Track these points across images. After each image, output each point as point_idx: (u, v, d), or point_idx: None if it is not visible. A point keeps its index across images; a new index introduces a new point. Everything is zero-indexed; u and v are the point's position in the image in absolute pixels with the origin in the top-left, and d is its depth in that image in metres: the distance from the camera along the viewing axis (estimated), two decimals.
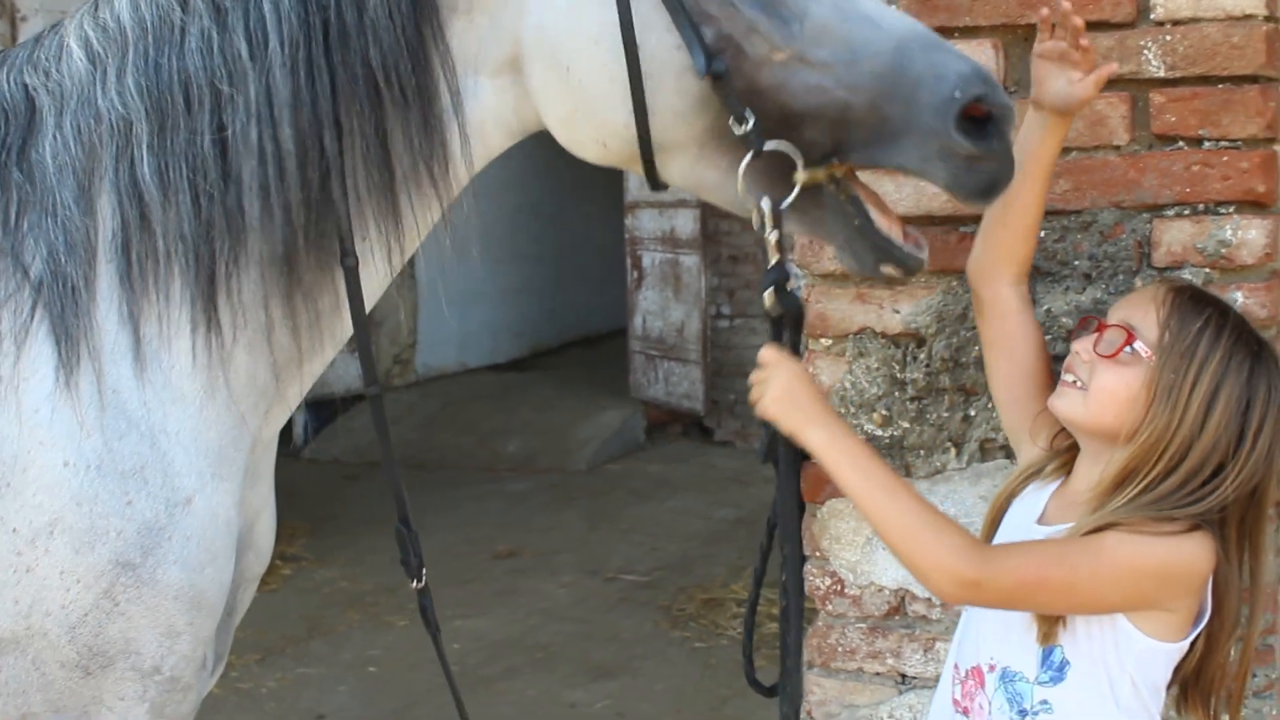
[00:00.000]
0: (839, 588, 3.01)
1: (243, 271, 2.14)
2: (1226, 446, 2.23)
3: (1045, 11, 2.38)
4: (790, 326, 2.32)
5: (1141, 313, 2.29)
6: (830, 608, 3.00)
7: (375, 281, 2.28)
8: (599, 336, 14.84)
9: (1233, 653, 2.34)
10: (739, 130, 2.11)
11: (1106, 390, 2.28)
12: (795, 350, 2.36)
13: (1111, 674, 2.30)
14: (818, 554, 2.99)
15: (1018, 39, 2.81)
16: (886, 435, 2.92)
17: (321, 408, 10.82)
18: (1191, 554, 2.22)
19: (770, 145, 2.12)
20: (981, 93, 2.09)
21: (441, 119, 2.20)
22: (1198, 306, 2.29)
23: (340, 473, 10.10)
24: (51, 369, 2.08)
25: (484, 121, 2.27)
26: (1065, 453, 2.44)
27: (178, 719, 2.24)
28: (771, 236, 2.19)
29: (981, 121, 2.10)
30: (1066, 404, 2.34)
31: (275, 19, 2.11)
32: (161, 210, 2.11)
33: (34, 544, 2.06)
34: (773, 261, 2.23)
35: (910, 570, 2.31)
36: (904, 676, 2.98)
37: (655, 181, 2.25)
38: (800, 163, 2.13)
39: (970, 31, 2.82)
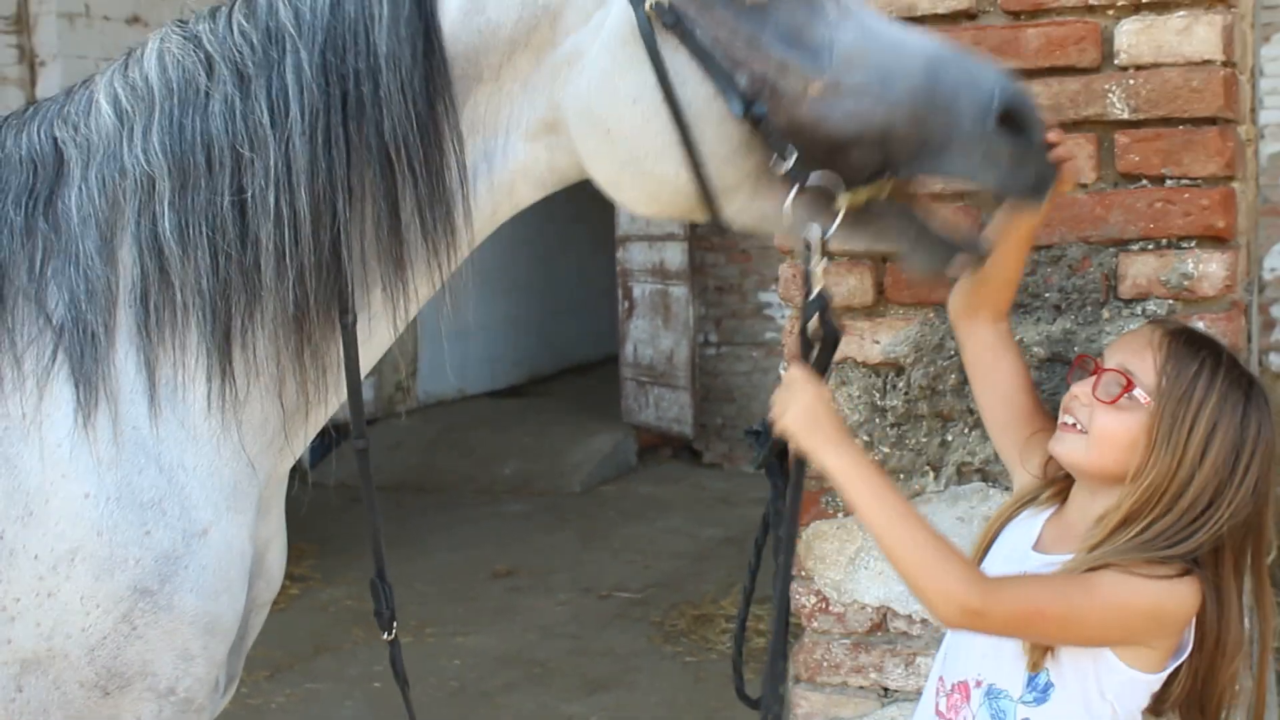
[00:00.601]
0: (824, 605, 3.01)
1: (257, 328, 2.15)
2: (1219, 483, 2.22)
3: None
4: (824, 351, 2.29)
5: (1139, 358, 2.28)
6: (816, 624, 3.01)
7: (377, 341, 2.29)
8: (592, 364, 14.82)
9: (1249, 675, 2.34)
10: (780, 168, 2.11)
11: (1107, 435, 2.27)
12: (822, 371, 2.33)
13: (1091, 700, 2.30)
14: (803, 573, 3.00)
15: None
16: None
17: (325, 434, 10.76)
18: (1181, 598, 2.23)
19: (813, 180, 2.11)
20: (1016, 94, 2.11)
21: (450, 192, 2.19)
22: (1192, 350, 2.28)
23: (345, 495, 10.01)
24: (71, 408, 2.09)
25: (514, 180, 2.27)
26: (1060, 480, 2.44)
27: None
28: (819, 267, 2.19)
29: (1018, 125, 2.11)
30: (1067, 448, 2.33)
31: (297, 89, 2.12)
32: (180, 265, 2.11)
33: (56, 570, 2.07)
34: (816, 290, 2.22)
35: (916, 594, 2.30)
36: (886, 690, 2.98)
37: (720, 223, 2.22)
38: (842, 191, 2.12)
39: None
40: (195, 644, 2.15)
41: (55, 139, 2.19)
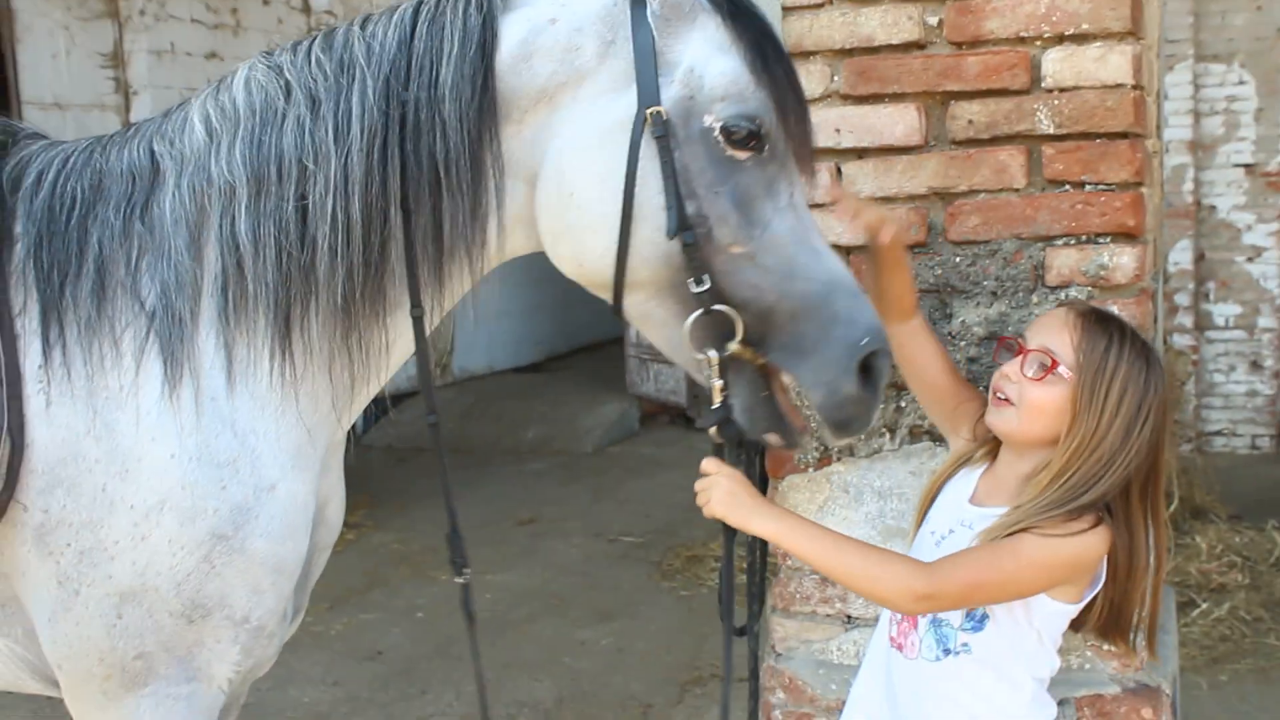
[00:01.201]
0: None
1: (312, 317, 2.14)
2: (1126, 436, 2.24)
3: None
4: (738, 450, 2.29)
5: (1058, 338, 2.28)
6: (790, 563, 3.01)
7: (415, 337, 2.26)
8: (601, 344, 14.82)
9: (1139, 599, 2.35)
10: (696, 289, 2.07)
11: (1036, 407, 2.27)
12: (751, 461, 2.33)
13: (1020, 628, 2.32)
14: None
15: (936, 103, 2.82)
16: None
17: (377, 403, 10.79)
18: (1094, 546, 2.24)
19: (720, 307, 2.08)
20: (882, 348, 2.09)
21: (486, 211, 2.17)
22: (1102, 327, 2.29)
23: (393, 456, 10.08)
24: (160, 381, 2.10)
25: (514, 223, 2.22)
26: (989, 441, 2.44)
27: (263, 658, 2.28)
28: (717, 384, 2.14)
29: (868, 372, 2.08)
30: (1002, 420, 2.32)
31: (360, 110, 2.10)
32: (252, 261, 2.12)
33: (148, 518, 2.08)
34: (717, 403, 2.16)
35: (875, 601, 2.32)
36: (849, 617, 2.99)
37: (615, 308, 2.20)
38: (740, 330, 2.09)
39: (898, 97, 2.83)
40: (265, 581, 2.16)
41: (153, 152, 2.19)
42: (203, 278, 2.14)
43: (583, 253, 2.15)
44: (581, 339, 15.08)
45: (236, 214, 2.12)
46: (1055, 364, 2.26)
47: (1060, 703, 2.74)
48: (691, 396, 11.52)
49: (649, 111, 2.06)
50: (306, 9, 10.32)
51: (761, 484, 2.41)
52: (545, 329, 14.38)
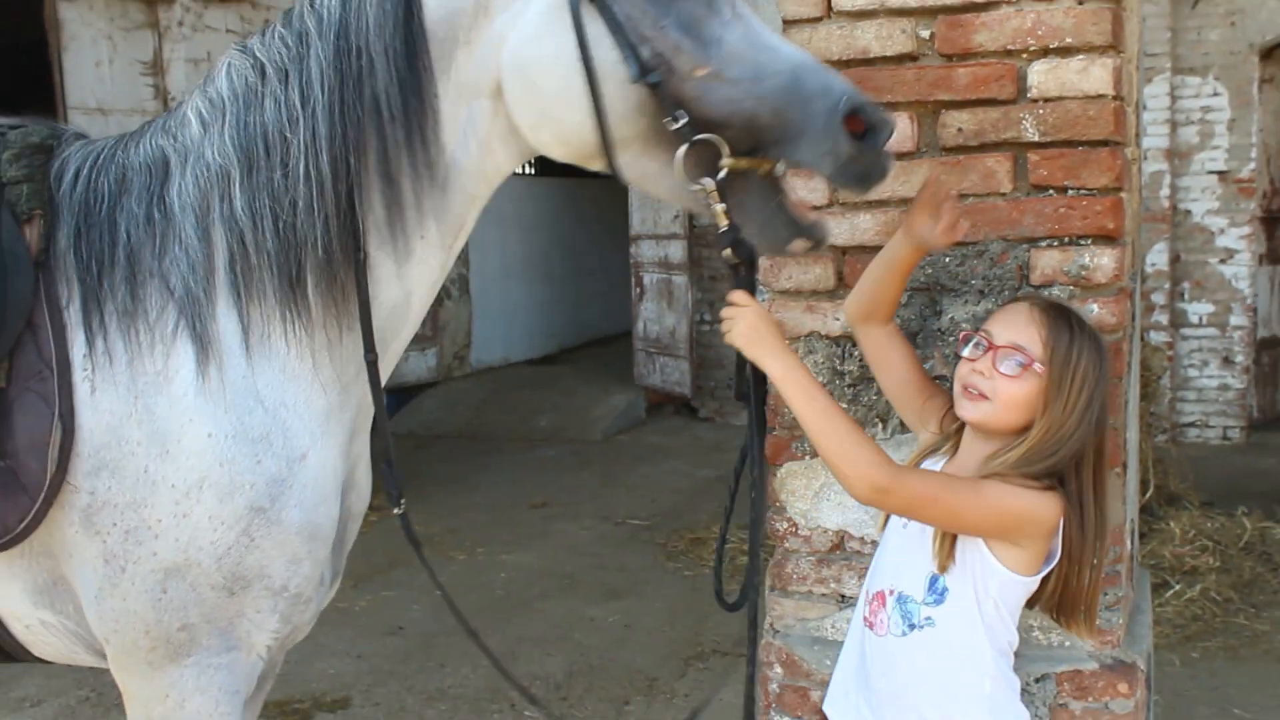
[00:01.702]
0: (794, 529, 3.02)
1: (305, 274, 2.14)
2: (1081, 416, 2.27)
3: (933, 173, 2.41)
4: (747, 270, 2.23)
5: (1026, 336, 2.28)
6: (787, 545, 3.01)
7: (380, 275, 2.21)
8: (610, 338, 14.84)
9: (1088, 577, 2.35)
10: (673, 127, 2.05)
11: (1012, 400, 2.27)
12: (752, 289, 2.27)
13: (979, 597, 2.31)
14: (777, 504, 3.00)
15: (928, 112, 2.82)
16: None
17: (399, 393, 10.84)
18: (1045, 506, 2.24)
19: (700, 136, 2.06)
20: (861, 103, 2.04)
21: (429, 143, 2.16)
22: (1062, 320, 2.30)
23: (413, 443, 10.11)
24: (192, 364, 2.10)
25: (491, 140, 2.21)
26: (954, 434, 2.44)
27: (301, 625, 2.28)
28: (719, 207, 2.11)
29: (860, 128, 2.04)
30: (978, 413, 2.31)
31: (319, 72, 2.11)
32: (252, 234, 2.12)
33: (189, 496, 2.09)
34: (724, 226, 2.14)
35: (836, 475, 2.26)
36: (843, 597, 2.99)
37: (614, 171, 2.16)
38: (726, 149, 2.07)
39: (891, 106, 2.82)
40: (301, 549, 2.16)
41: (161, 147, 2.21)
42: (214, 258, 2.14)
43: (564, 130, 2.13)
44: (592, 333, 15.10)
45: (233, 194, 2.13)
46: (1030, 362, 2.26)
47: (1041, 678, 2.75)
48: (695, 388, 11.54)
49: None
50: None
51: (761, 432, 2.37)
52: (558, 323, 14.40)
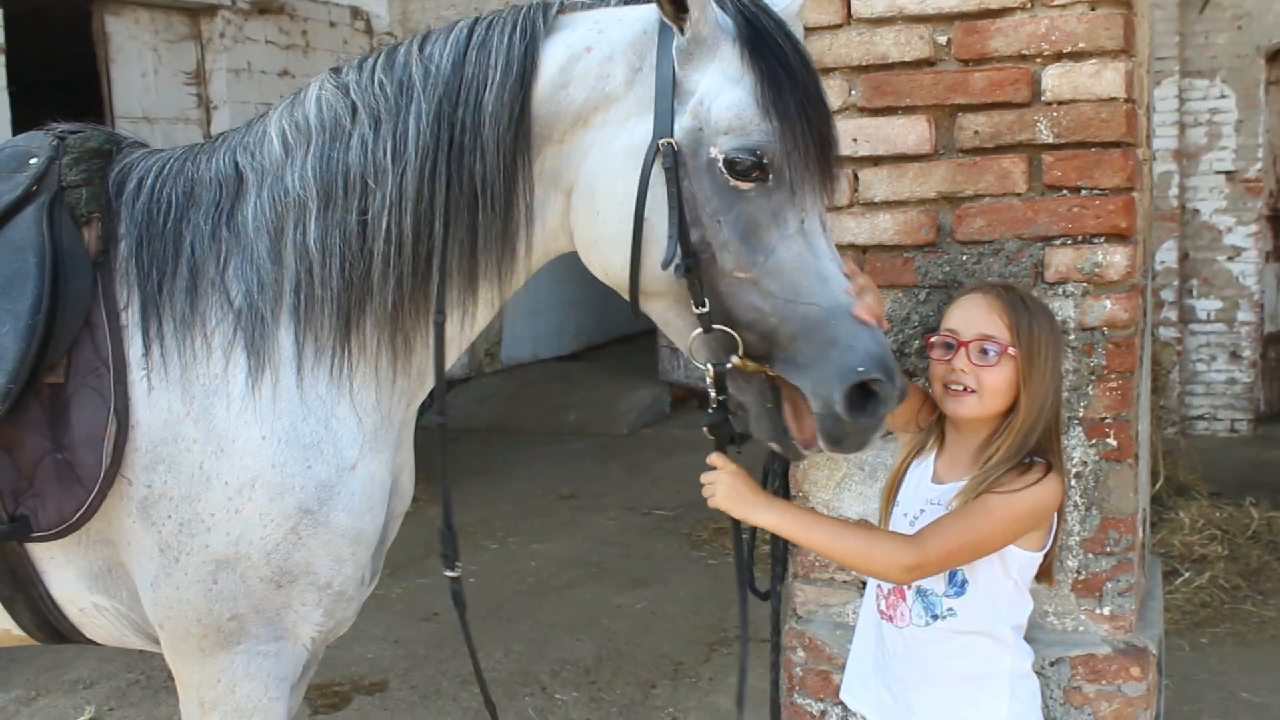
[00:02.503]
0: None
1: (366, 319, 2.15)
2: (1053, 388, 2.32)
3: None
4: (729, 443, 2.24)
5: (992, 324, 2.29)
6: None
7: (452, 339, 2.23)
8: (636, 335, 14.79)
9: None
10: (697, 310, 2.03)
11: (995, 388, 2.28)
12: (724, 450, 2.29)
13: (997, 582, 2.35)
14: (800, 493, 3.00)
15: (945, 115, 2.81)
16: None
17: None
18: (1048, 492, 2.27)
19: (718, 327, 2.03)
20: (877, 377, 1.97)
21: (516, 228, 2.15)
22: (1019, 301, 2.32)
23: (449, 437, 10.12)
24: (246, 372, 2.12)
25: (558, 228, 2.20)
26: (936, 427, 2.45)
27: (343, 619, 2.29)
28: (712, 393, 2.11)
29: (869, 395, 1.98)
30: (965, 407, 2.31)
31: (415, 132, 2.10)
32: (320, 268, 2.12)
33: (241, 493, 2.11)
34: (712, 408, 2.14)
35: (870, 575, 2.33)
36: (864, 584, 2.98)
37: (636, 312, 2.16)
38: (740, 347, 2.04)
39: (910, 110, 2.82)
40: (345, 551, 2.18)
41: (237, 164, 2.21)
42: (283, 280, 2.15)
43: (607, 264, 2.13)
44: (618, 330, 15.08)
45: (307, 224, 2.13)
46: (1004, 347, 2.27)
47: (1055, 662, 2.75)
48: None
49: (661, 142, 2.02)
50: (369, 30, 10.35)
51: (783, 466, 2.39)
52: (585, 321, 14.40)
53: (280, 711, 2.22)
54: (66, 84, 9.19)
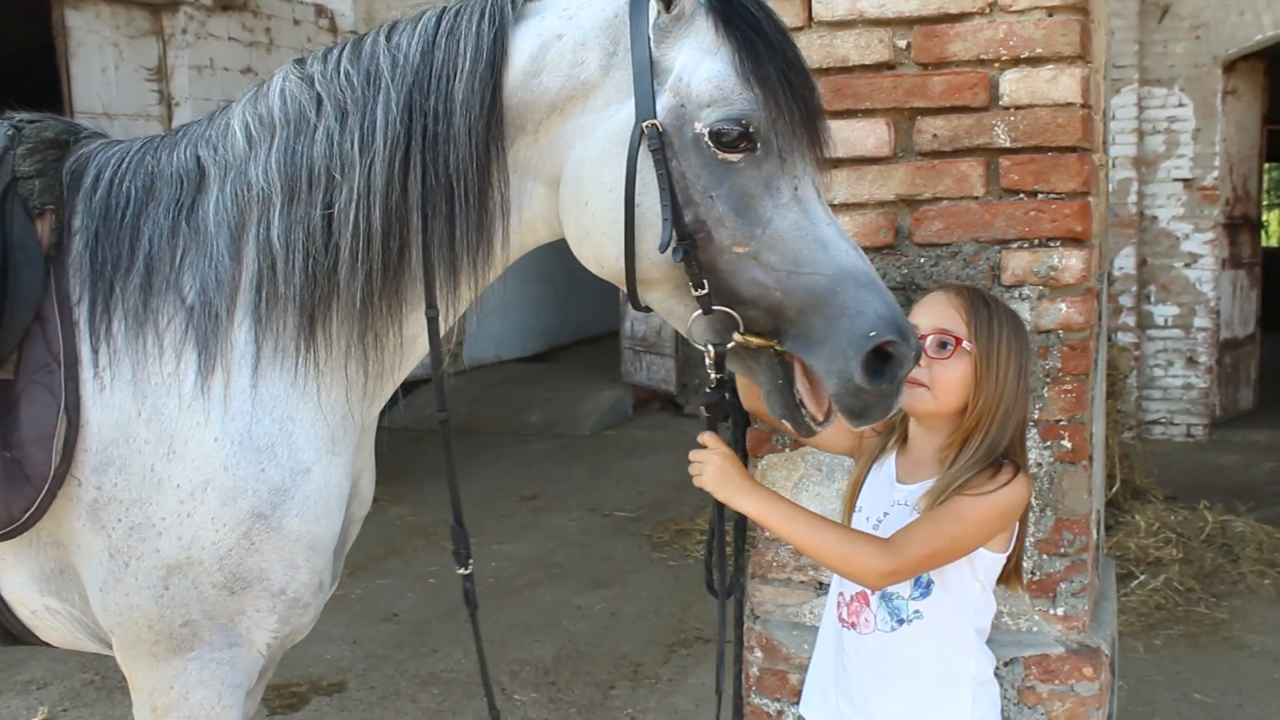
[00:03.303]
0: None
1: (333, 316, 2.10)
2: (1014, 390, 2.28)
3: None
4: (722, 421, 2.23)
5: (948, 319, 2.28)
6: (768, 534, 3.02)
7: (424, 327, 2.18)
8: (599, 336, 14.83)
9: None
10: (696, 293, 1.97)
11: (947, 382, 2.26)
12: (738, 441, 2.27)
13: (964, 583, 2.33)
14: None
15: (904, 119, 2.83)
16: None
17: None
18: (1017, 494, 2.26)
19: (717, 308, 1.98)
20: (892, 339, 1.89)
21: (492, 219, 2.10)
22: (979, 300, 2.31)
23: (408, 437, 10.07)
24: (197, 370, 2.07)
25: (535, 219, 2.15)
26: (898, 430, 2.42)
27: (300, 626, 2.24)
28: (712, 372, 2.08)
29: (885, 357, 1.91)
30: (918, 400, 2.27)
31: (384, 123, 2.04)
32: (283, 263, 2.07)
33: (193, 496, 2.06)
34: (711, 387, 2.13)
35: (845, 576, 2.28)
36: (821, 584, 2.99)
37: (635, 304, 2.11)
38: (741, 325, 1.98)
39: (869, 113, 2.83)
40: (300, 557, 2.13)
41: (199, 157, 2.16)
42: (240, 277, 2.10)
43: (601, 256, 2.06)
44: (581, 332, 15.09)
45: (271, 219, 2.08)
46: (959, 341, 2.26)
47: (1009, 662, 2.76)
48: (680, 385, 11.54)
49: (644, 124, 1.96)
50: (334, 28, 10.30)
51: (742, 458, 2.38)
52: (548, 322, 14.39)
53: (234, 718, 2.18)
54: (24, 79, 9.08)
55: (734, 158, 1.96)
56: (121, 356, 2.07)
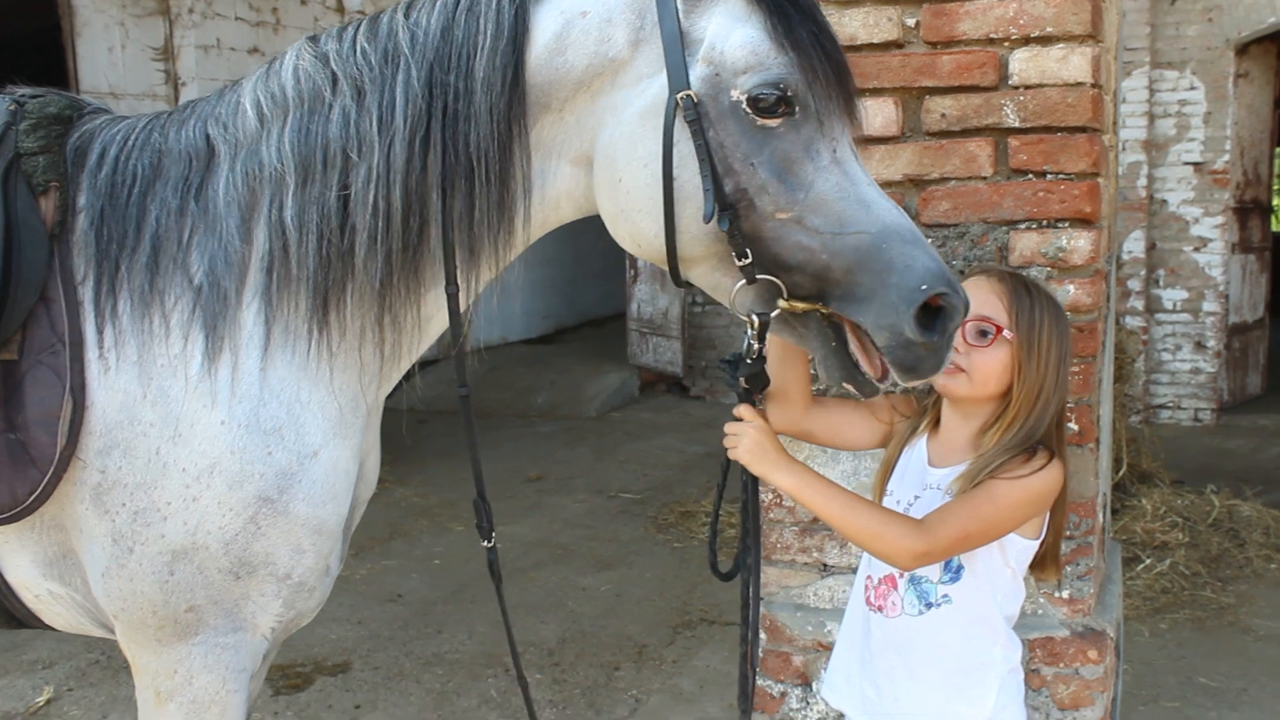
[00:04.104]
0: (778, 501, 3.02)
1: (349, 298, 2.06)
2: (1055, 378, 2.26)
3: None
4: (755, 389, 2.17)
5: (990, 307, 2.26)
6: (772, 516, 3.02)
7: (449, 312, 2.15)
8: (605, 318, 14.82)
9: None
10: (740, 263, 1.93)
11: (987, 370, 2.25)
12: (753, 403, 2.22)
13: (994, 569, 2.31)
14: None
15: (912, 98, 2.81)
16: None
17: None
18: (1051, 479, 2.24)
19: (761, 276, 1.94)
20: (944, 290, 1.87)
21: (514, 198, 2.06)
22: (1021, 287, 2.28)
23: (414, 418, 10.08)
24: (204, 351, 2.04)
25: (560, 198, 2.11)
26: (932, 411, 2.40)
27: (305, 611, 2.22)
28: (754, 342, 2.04)
29: (935, 311, 1.89)
30: (957, 385, 2.27)
31: (404, 101, 2.01)
32: (296, 245, 2.04)
33: (199, 480, 2.03)
34: (751, 358, 2.07)
35: (877, 556, 2.25)
36: (825, 566, 2.99)
37: (678, 280, 2.06)
38: (785, 291, 1.94)
39: (877, 92, 2.82)
40: (306, 541, 2.11)
41: (208, 135, 2.12)
42: (250, 258, 2.06)
43: (638, 234, 2.03)
44: (588, 314, 15.07)
45: (284, 200, 2.04)
46: (999, 329, 2.25)
47: None
48: (686, 367, 11.54)
49: (679, 96, 1.92)
50: (340, 8, 10.26)
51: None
52: (555, 304, 14.37)
53: (238, 703, 2.16)
54: (31, 59, 9.07)
55: (773, 123, 1.93)
56: (127, 337, 2.04)
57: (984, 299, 2.27)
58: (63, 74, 8.36)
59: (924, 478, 2.36)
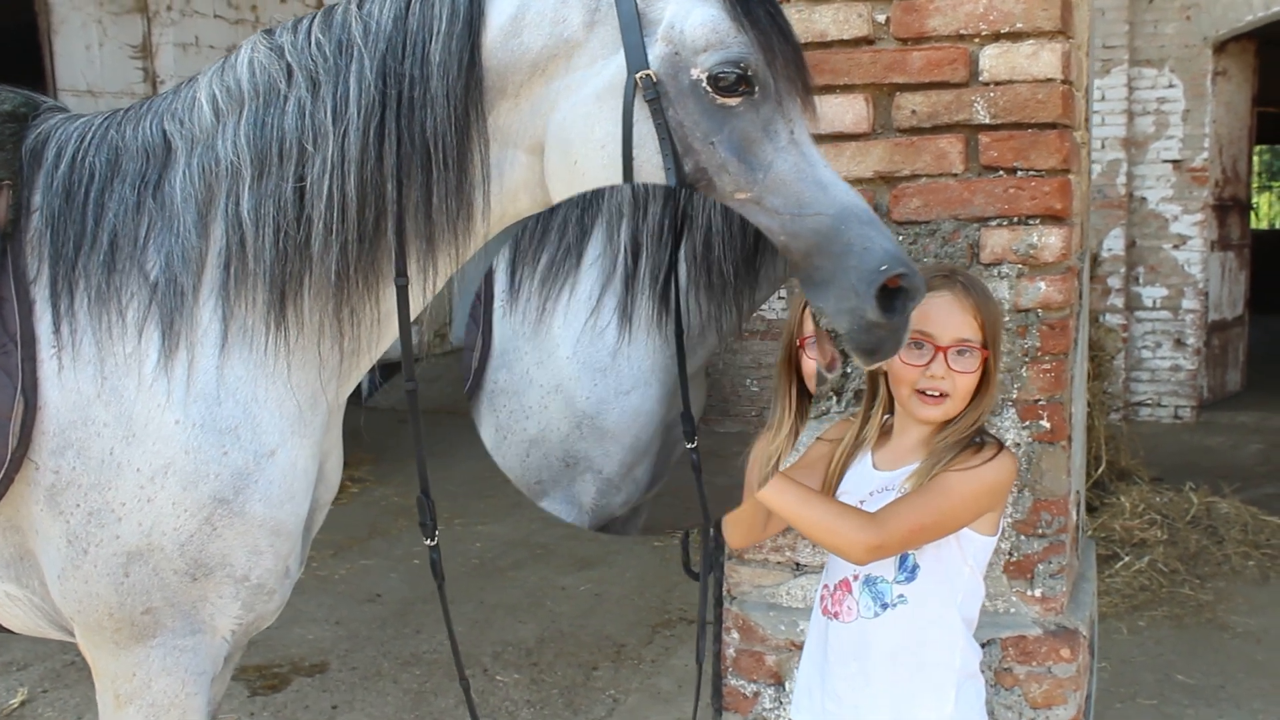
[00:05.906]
0: None
1: (306, 291, 2.04)
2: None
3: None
4: None
5: (967, 327, 2.23)
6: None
7: (413, 303, 2.11)
8: None
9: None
10: None
11: (968, 387, 2.23)
12: None
13: (952, 567, 2.28)
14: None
15: (883, 94, 2.79)
16: None
17: (383, 369, 10.79)
18: (1007, 469, 2.24)
19: None
20: (903, 271, 1.87)
21: (472, 185, 2.04)
22: (982, 296, 2.27)
23: (395, 417, 10.04)
24: (159, 350, 2.02)
25: (517, 188, 2.08)
26: (867, 420, 2.37)
27: (265, 613, 2.20)
28: None
29: (894, 292, 1.87)
30: (941, 412, 2.25)
31: (358, 91, 1.98)
32: (253, 239, 2.01)
33: (153, 481, 2.00)
34: None
35: (831, 550, 2.23)
36: (797, 565, 2.97)
37: None
38: None
39: (848, 88, 2.80)
40: (263, 542, 2.08)
41: (164, 131, 2.09)
42: (207, 253, 2.04)
43: None
44: None
45: (241, 194, 2.02)
46: (985, 352, 2.23)
47: (986, 643, 2.74)
48: None
49: (638, 75, 1.91)
50: (320, 6, 10.24)
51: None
52: None
53: (199, 706, 2.13)
54: (6, 57, 9.02)
55: (733, 102, 1.92)
56: (81, 336, 2.02)
57: (960, 320, 2.24)
58: (39, 72, 8.31)
59: (873, 482, 2.31)
